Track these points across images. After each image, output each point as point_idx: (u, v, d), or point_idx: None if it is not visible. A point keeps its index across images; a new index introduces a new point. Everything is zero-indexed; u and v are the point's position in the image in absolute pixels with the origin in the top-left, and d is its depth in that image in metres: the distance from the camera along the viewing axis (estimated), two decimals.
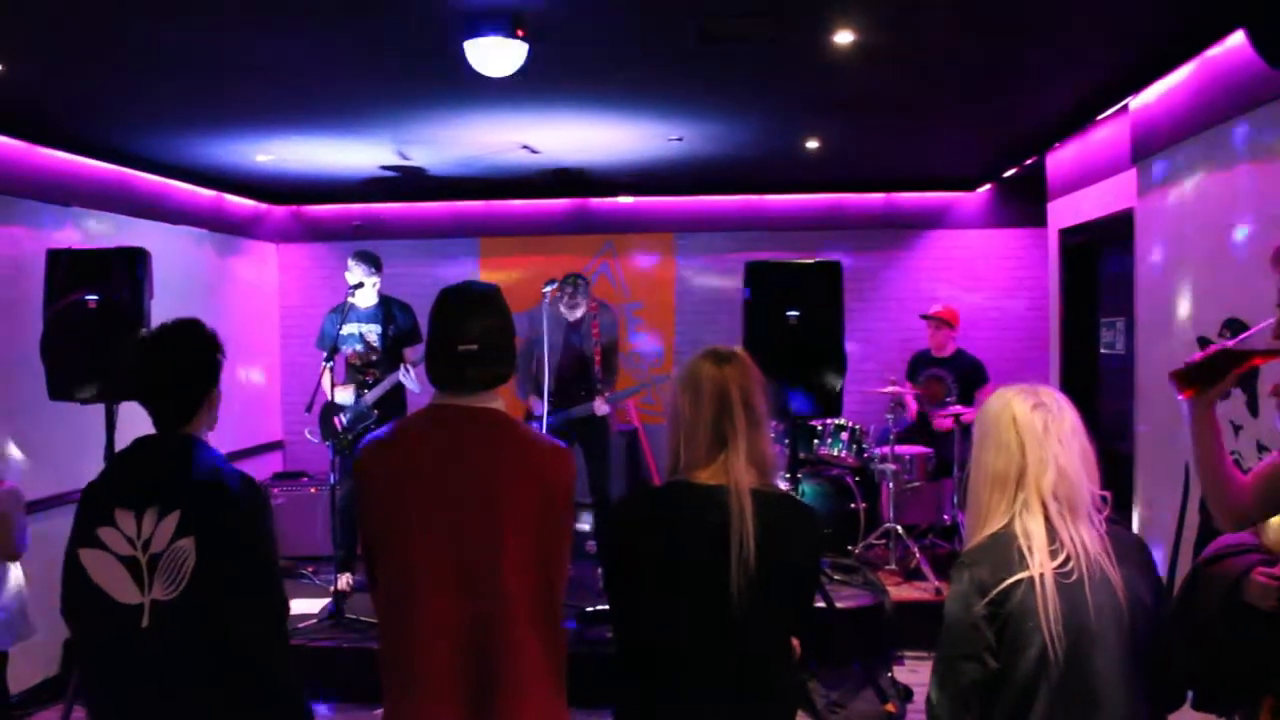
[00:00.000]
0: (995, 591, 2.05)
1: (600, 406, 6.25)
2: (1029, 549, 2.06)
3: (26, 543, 3.53)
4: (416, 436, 2.53)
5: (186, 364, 2.52)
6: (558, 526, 2.46)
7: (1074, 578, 2.04)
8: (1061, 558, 2.06)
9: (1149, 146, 4.78)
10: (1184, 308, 4.40)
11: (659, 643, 2.36)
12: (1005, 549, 2.09)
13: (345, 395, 6.28)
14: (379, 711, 2.57)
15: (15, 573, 3.29)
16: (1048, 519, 2.08)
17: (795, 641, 2.47)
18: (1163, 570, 3.26)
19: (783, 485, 5.81)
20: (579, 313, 6.31)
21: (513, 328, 2.59)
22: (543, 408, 5.98)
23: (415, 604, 2.43)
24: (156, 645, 2.34)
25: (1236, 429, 3.86)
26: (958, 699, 2.07)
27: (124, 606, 2.35)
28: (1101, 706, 2.03)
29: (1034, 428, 2.12)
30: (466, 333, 2.47)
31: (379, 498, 2.50)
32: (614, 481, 7.21)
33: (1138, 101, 4.88)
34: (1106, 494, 2.16)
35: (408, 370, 6.07)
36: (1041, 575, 2.03)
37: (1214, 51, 4.07)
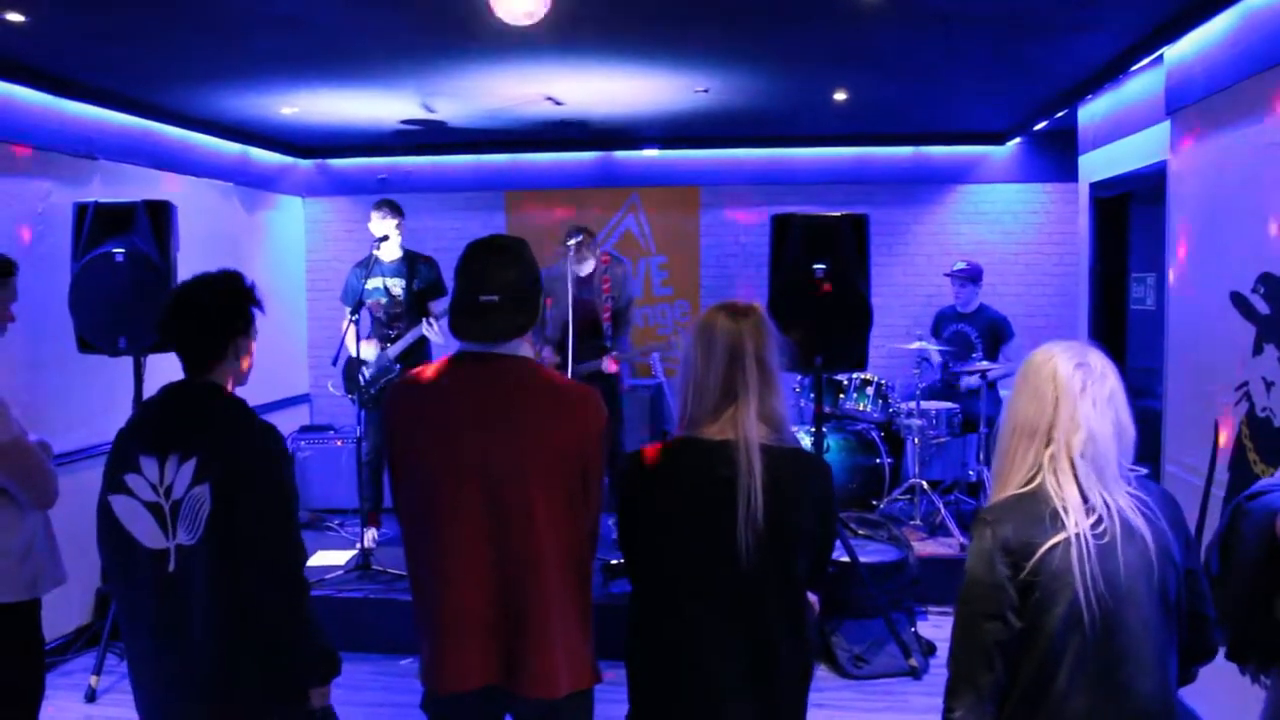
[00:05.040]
0: (1027, 554, 2.03)
1: (609, 364, 6.13)
2: (1065, 509, 2.04)
3: (57, 492, 3.58)
4: (445, 381, 2.55)
5: (211, 307, 2.55)
6: (587, 473, 2.48)
7: (1106, 538, 2.03)
8: (1094, 518, 2.04)
9: (1184, 98, 4.69)
10: (1217, 263, 4.33)
11: (671, 598, 2.37)
12: (1034, 508, 2.07)
13: (370, 351, 6.29)
14: (406, 660, 2.61)
15: (45, 521, 3.33)
16: (1077, 479, 2.06)
17: (814, 598, 2.47)
18: (1191, 528, 3.24)
19: (807, 440, 5.81)
20: (588, 267, 6.20)
21: (537, 279, 2.59)
22: (553, 359, 5.98)
23: (445, 549, 2.46)
24: (183, 589, 2.39)
25: (1268, 385, 3.81)
26: (980, 657, 2.06)
27: (152, 551, 2.41)
28: (1129, 662, 2.02)
29: (1071, 386, 2.09)
30: (488, 284, 2.49)
31: (408, 440, 2.53)
32: (635, 436, 7.22)
33: (1173, 52, 4.78)
34: (1143, 469, 2.14)
35: (430, 324, 6.07)
36: (1078, 535, 2.01)
37: None
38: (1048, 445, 2.10)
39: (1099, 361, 2.14)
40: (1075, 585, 2.00)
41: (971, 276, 7.20)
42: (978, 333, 7.18)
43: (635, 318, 6.23)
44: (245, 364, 2.63)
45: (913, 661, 5.18)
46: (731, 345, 2.33)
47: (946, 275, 7.35)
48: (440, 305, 6.22)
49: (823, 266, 5.02)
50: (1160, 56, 4.93)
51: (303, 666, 2.48)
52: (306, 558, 2.55)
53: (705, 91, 6.15)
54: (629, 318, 6.45)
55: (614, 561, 5.47)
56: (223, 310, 2.56)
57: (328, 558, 6.12)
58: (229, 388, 2.57)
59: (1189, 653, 2.16)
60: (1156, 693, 2.04)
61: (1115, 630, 2.01)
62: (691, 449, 2.35)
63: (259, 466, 2.44)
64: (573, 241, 6.05)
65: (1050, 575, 2.02)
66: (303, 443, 7.65)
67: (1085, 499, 2.05)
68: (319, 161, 8.63)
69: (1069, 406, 2.08)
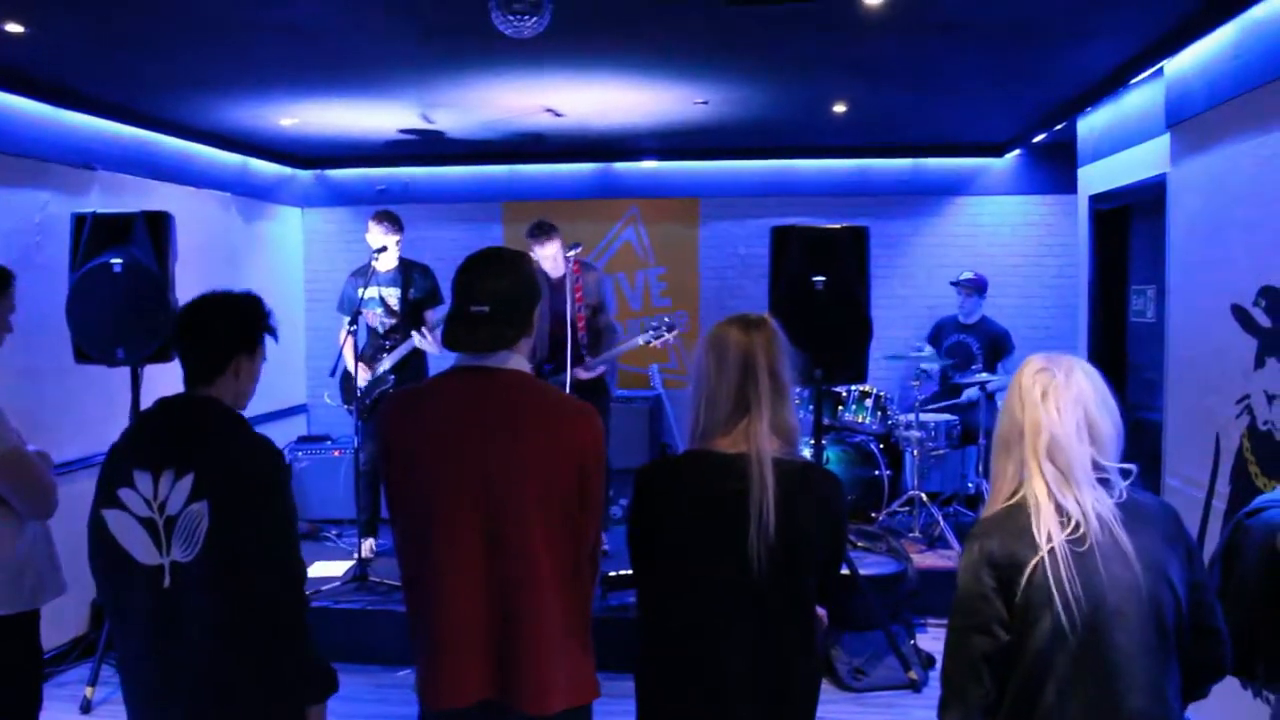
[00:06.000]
0: (1012, 567, 2.03)
1: (581, 371, 6.04)
2: (1038, 524, 2.04)
3: (56, 502, 3.58)
4: (441, 395, 2.53)
5: (219, 321, 2.54)
6: (585, 487, 2.46)
7: (1085, 546, 2.02)
8: (1070, 527, 2.03)
9: (1184, 111, 4.69)
10: (1217, 275, 4.33)
11: (680, 610, 2.36)
12: (1019, 521, 2.07)
13: (364, 373, 6.27)
14: (403, 672, 2.59)
15: (44, 531, 3.32)
16: (1047, 484, 2.07)
17: (822, 612, 2.45)
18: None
19: (807, 452, 5.80)
20: (553, 259, 6.09)
21: (532, 292, 2.57)
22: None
23: (439, 563, 2.44)
24: (178, 606, 2.37)
25: (1270, 399, 3.80)
26: (968, 670, 2.06)
27: (146, 567, 2.38)
28: (1120, 679, 2.00)
29: (1032, 392, 2.11)
30: (478, 294, 2.47)
31: (402, 455, 2.51)
32: (634, 449, 7.20)
33: (1173, 64, 4.78)
34: (1130, 467, 2.13)
35: (424, 335, 6.05)
36: (1052, 550, 2.01)
37: (1256, 11, 3.98)
38: (1020, 453, 2.12)
39: (1066, 365, 2.15)
40: (1058, 599, 1.99)
41: (977, 287, 7.25)
42: (979, 344, 7.20)
43: (635, 329, 6.16)
44: (247, 386, 2.60)
45: (912, 674, 5.17)
46: (744, 358, 2.33)
47: (953, 284, 7.36)
48: (436, 314, 6.20)
49: (823, 279, 5.01)
50: (1160, 69, 4.93)
51: (301, 684, 2.46)
52: (306, 574, 2.53)
53: (704, 103, 6.15)
54: (605, 323, 6.34)
55: (613, 574, 5.45)
56: (231, 326, 2.54)
57: (325, 568, 6.10)
58: (228, 401, 2.55)
59: (1198, 669, 2.15)
60: (1150, 710, 2.02)
61: (1102, 647, 2.00)
62: (703, 462, 2.34)
63: (258, 483, 2.41)
64: (543, 235, 6.07)
65: (1034, 589, 2.02)
66: (300, 453, 7.63)
67: (1059, 507, 2.05)
68: (318, 172, 8.63)
69: (1032, 413, 2.11)
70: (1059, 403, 2.09)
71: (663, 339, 5.99)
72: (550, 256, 6.08)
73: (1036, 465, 2.08)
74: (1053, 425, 2.08)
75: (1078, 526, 2.03)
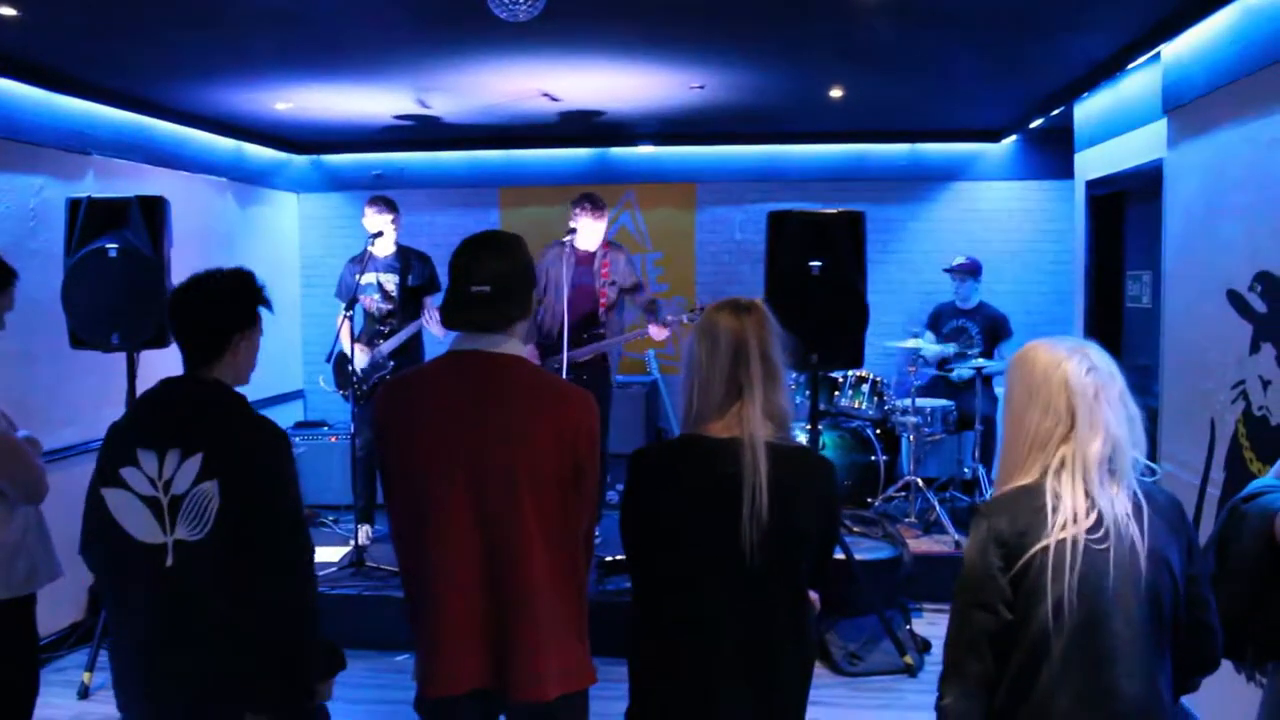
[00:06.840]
0: (1019, 547, 2.03)
1: (657, 331, 6.00)
2: (1054, 509, 2.03)
3: (47, 487, 3.58)
4: (436, 380, 2.53)
5: (216, 303, 2.54)
6: (579, 472, 2.46)
7: (1102, 541, 2.02)
8: (1092, 520, 2.02)
9: (1182, 95, 4.68)
10: (1213, 261, 4.33)
11: (673, 593, 2.36)
12: (1031, 502, 2.06)
13: (361, 358, 6.27)
14: (401, 658, 2.59)
15: (38, 517, 3.32)
16: (1087, 484, 2.04)
17: (815, 596, 2.46)
18: None
19: (803, 437, 5.80)
20: (596, 230, 6.04)
21: (530, 275, 2.58)
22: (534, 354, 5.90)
23: (434, 550, 2.45)
24: (182, 585, 2.38)
25: (1265, 384, 3.81)
26: (969, 646, 2.07)
27: (146, 546, 2.38)
28: (1116, 664, 2.01)
29: (1086, 394, 2.06)
30: (479, 275, 2.48)
31: (397, 441, 2.51)
32: (630, 434, 7.19)
33: (1170, 49, 4.77)
34: (1155, 466, 2.12)
35: (433, 316, 6.05)
36: (1067, 537, 2.01)
37: None
38: (1060, 452, 2.07)
39: (1103, 360, 2.12)
40: (1061, 583, 2.00)
41: (971, 270, 7.24)
42: (979, 329, 7.20)
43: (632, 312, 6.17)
44: (247, 363, 2.61)
45: (908, 659, 5.18)
46: (735, 342, 2.33)
47: (946, 271, 7.35)
48: (437, 301, 6.20)
49: (819, 263, 5.01)
50: (1158, 54, 4.92)
51: (312, 661, 2.47)
52: (314, 552, 2.54)
53: (701, 88, 6.14)
54: (650, 298, 6.32)
55: (609, 558, 5.46)
56: (225, 306, 2.54)
57: (322, 554, 6.07)
58: (229, 382, 2.55)
59: (1190, 662, 2.15)
60: (1142, 695, 2.03)
61: (1101, 631, 2.01)
62: (697, 446, 2.34)
63: (268, 463, 2.43)
64: (591, 205, 6.00)
65: (1039, 570, 2.02)
66: (297, 439, 7.61)
67: (1088, 503, 2.04)
68: (313, 157, 8.60)
69: (1087, 416, 2.05)
70: (1111, 403, 2.07)
71: (681, 319, 6.01)
72: (598, 230, 6.04)
73: (1081, 466, 2.05)
74: (1110, 428, 2.05)
75: (1100, 522, 2.02)
